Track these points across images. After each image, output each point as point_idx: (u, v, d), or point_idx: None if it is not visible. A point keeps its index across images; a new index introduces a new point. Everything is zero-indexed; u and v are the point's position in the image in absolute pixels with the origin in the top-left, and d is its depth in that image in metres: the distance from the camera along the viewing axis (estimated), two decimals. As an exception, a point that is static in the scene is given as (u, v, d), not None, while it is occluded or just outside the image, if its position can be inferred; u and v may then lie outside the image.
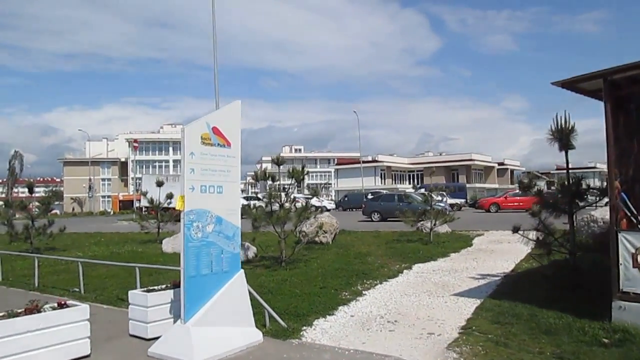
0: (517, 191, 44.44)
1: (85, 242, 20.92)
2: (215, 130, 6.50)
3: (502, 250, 14.62)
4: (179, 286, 6.64)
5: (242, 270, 6.87)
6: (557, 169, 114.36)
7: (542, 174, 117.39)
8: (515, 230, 9.60)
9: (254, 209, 12.55)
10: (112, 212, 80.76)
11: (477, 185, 78.96)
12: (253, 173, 12.53)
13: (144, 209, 30.97)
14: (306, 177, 13.90)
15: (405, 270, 11.69)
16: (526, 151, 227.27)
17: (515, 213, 36.58)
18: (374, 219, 30.05)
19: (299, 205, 13.27)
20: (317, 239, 14.59)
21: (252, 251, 13.98)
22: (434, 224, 16.32)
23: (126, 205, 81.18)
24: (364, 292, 9.41)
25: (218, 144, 6.53)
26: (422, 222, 17.68)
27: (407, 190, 51.25)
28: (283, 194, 12.28)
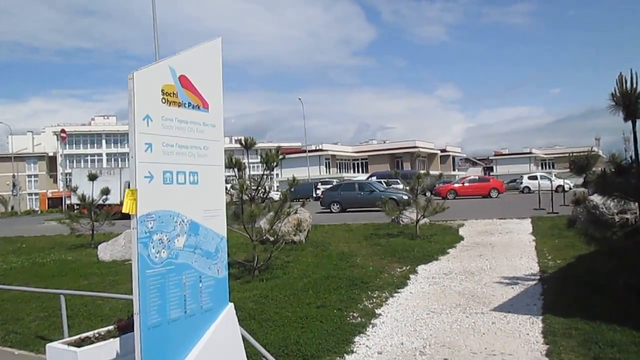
0: (473, 177, 43.67)
1: (1, 249, 17.46)
2: (185, 82, 3.98)
3: (503, 244, 12.75)
4: (127, 331, 4.14)
5: (230, 305, 4.43)
6: (495, 155, 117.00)
7: (479, 160, 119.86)
8: (571, 224, 7.58)
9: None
10: (39, 211, 74.69)
11: (422, 172, 78.74)
12: None
13: (75, 207, 27.34)
14: (252, 166, 11.28)
15: (411, 276, 9.49)
16: (459, 139, 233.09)
17: (474, 199, 35.57)
18: (333, 210, 27.87)
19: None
20: (294, 238, 12.17)
21: (213, 257, 11.39)
22: (422, 216, 14.23)
23: (55, 203, 75.26)
24: (377, 312, 7.13)
25: (189, 104, 4.02)
26: (403, 214, 15.61)
27: (354, 179, 49.45)
28: (253, 186, 9.79)
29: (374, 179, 40.44)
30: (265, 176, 9.66)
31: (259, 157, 10.47)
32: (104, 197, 15.75)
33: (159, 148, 3.75)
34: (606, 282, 7.36)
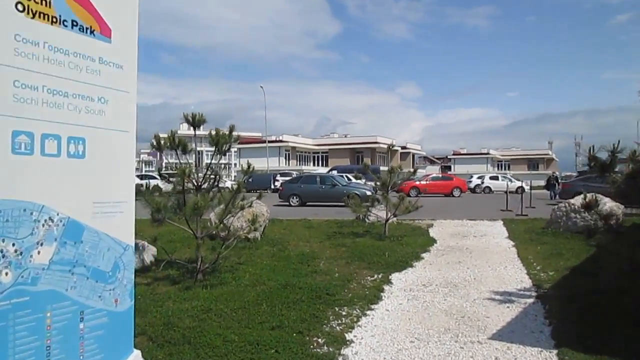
0: (436, 175, 42.96)
1: None
2: None
3: (480, 249, 11.48)
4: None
5: (136, 354, 2.83)
6: (454, 154, 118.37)
7: (437, 159, 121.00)
8: (589, 235, 6.26)
9: (153, 192, 8.16)
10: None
11: (383, 168, 78.33)
12: (153, 140, 7.31)
13: None
14: (206, 155, 9.50)
15: (385, 287, 8.04)
16: (418, 137, 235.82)
17: (437, 198, 34.79)
18: (292, 204, 26.31)
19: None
20: (248, 234, 10.53)
21: (150, 254, 9.57)
22: (393, 214, 12.84)
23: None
24: (347, 337, 5.62)
25: (74, 23, 2.40)
26: (370, 211, 14.20)
27: (314, 172, 48.18)
28: (198, 172, 8.11)
29: (335, 172, 39.09)
30: (215, 162, 7.99)
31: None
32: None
33: (6, 90, 2.12)
34: (621, 303, 6.13)
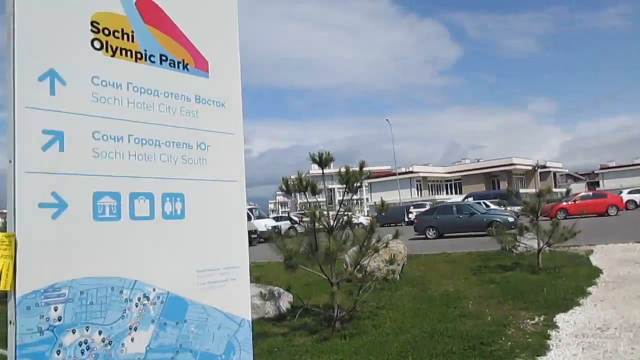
0: (586, 193, 39.06)
1: None
2: (151, 12, 1.98)
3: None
4: None
5: None
6: (601, 168, 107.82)
7: (581, 175, 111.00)
8: None
9: (286, 237, 7.85)
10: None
11: (522, 190, 73.65)
12: (281, 183, 6.89)
13: None
14: (338, 192, 8.94)
15: (551, 333, 6.85)
16: (556, 154, 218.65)
17: (590, 219, 31.25)
18: (429, 236, 25.10)
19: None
20: (386, 275, 9.87)
21: (286, 300, 9.27)
22: (546, 243, 11.40)
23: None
24: (515, 401, 4.67)
25: (164, 58, 2.01)
26: (519, 240, 12.81)
27: (448, 201, 46.27)
28: (330, 212, 7.65)
29: (471, 199, 37.12)
30: (345, 200, 7.53)
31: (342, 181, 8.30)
32: None
33: (84, 144, 1.75)
34: None
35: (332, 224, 7.52)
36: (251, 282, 9.25)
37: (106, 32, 1.84)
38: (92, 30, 1.81)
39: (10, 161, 1.58)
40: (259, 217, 30.98)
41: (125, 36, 1.89)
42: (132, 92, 1.89)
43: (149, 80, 1.95)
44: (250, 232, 21.23)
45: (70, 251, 1.67)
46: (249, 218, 24.79)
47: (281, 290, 9.11)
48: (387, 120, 64.05)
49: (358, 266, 7.80)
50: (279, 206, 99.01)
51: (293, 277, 9.61)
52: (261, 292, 8.18)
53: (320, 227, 7.42)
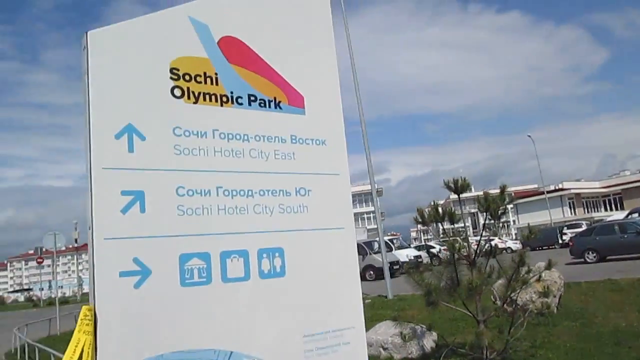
0: None
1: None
2: (237, 51, 1.80)
3: None
4: None
5: None
6: None
7: None
8: None
9: (425, 270, 7.34)
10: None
11: (700, 202, 64.10)
12: (416, 213, 6.48)
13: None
14: (481, 216, 8.24)
15: None
16: None
17: None
18: (588, 260, 22.58)
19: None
20: (541, 308, 8.87)
21: (430, 340, 8.69)
22: None
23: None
24: None
25: (252, 98, 1.82)
26: None
27: (608, 219, 41.63)
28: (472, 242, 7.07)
29: (636, 216, 33.01)
30: (489, 225, 6.88)
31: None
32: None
33: (166, 202, 1.59)
34: None
35: (475, 253, 6.90)
36: (390, 320, 8.80)
37: (187, 77, 1.69)
38: (171, 78, 1.66)
39: (89, 228, 1.46)
40: (400, 247, 30.43)
41: (208, 80, 1.73)
42: (219, 139, 1.71)
43: (237, 125, 1.76)
44: (391, 263, 20.82)
45: (156, 323, 1.50)
46: (390, 249, 24.39)
47: (424, 327, 8.56)
48: (529, 136, 60.00)
49: (507, 300, 7.04)
50: (421, 234, 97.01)
51: (436, 312, 9.02)
52: (401, 333, 7.73)
53: (462, 257, 6.84)
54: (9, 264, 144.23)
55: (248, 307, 1.67)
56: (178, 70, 1.68)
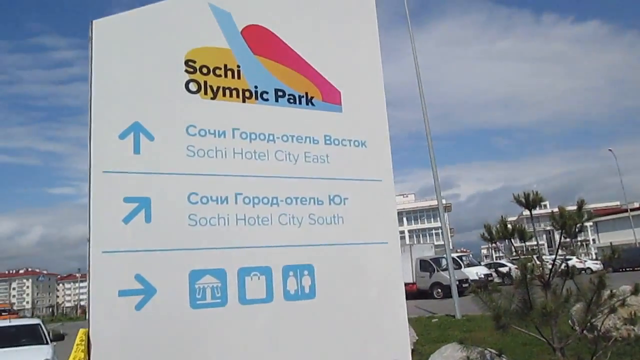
0: None
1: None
2: (261, 41, 1.60)
3: None
4: None
5: None
6: None
7: None
8: None
9: (493, 290, 6.81)
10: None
11: None
12: (484, 229, 5.79)
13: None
14: (557, 233, 7.54)
15: None
16: None
17: None
18: (680, 283, 20.81)
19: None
20: (626, 335, 8.08)
21: (501, 365, 8.11)
22: None
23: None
24: None
25: (282, 95, 1.60)
26: None
27: None
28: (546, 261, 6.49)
29: None
30: (564, 244, 6.31)
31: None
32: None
33: (177, 210, 1.38)
34: None
35: (549, 273, 6.34)
36: (456, 342, 8.24)
37: (204, 70, 1.50)
38: (186, 71, 1.48)
39: (88, 240, 1.28)
40: (470, 264, 29.27)
41: (229, 73, 1.53)
42: (240, 139, 1.50)
43: (262, 123, 1.54)
44: (460, 281, 19.96)
45: (161, 352, 1.29)
46: (459, 266, 23.47)
47: (493, 352, 7.99)
48: (610, 150, 56.56)
49: (588, 325, 6.40)
50: (492, 252, 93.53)
51: (508, 335, 8.42)
52: (468, 357, 7.20)
53: (535, 277, 6.30)
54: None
55: (270, 333, 1.43)
56: (194, 62, 1.49)
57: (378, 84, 1.78)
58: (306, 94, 1.63)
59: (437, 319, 13.66)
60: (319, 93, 1.65)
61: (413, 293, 20.23)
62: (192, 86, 1.48)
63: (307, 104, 1.63)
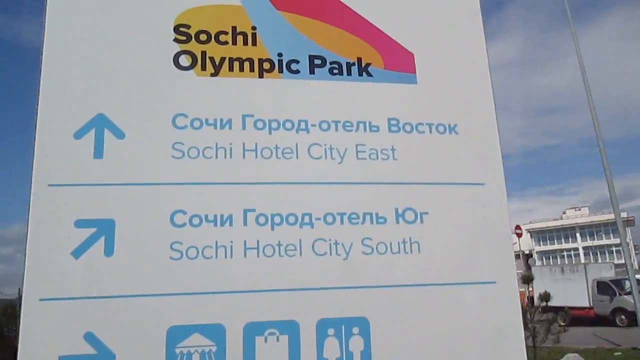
0: None
1: None
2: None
3: None
4: None
5: None
6: None
7: None
8: None
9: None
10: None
11: None
12: None
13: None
14: None
15: None
16: None
17: None
18: None
19: None
20: None
21: None
22: None
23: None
24: None
25: (322, 64, 1.09)
26: None
27: None
28: None
29: None
30: None
31: None
32: (543, 303, 12.41)
33: (153, 239, 0.94)
34: None
35: None
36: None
37: (202, 37, 1.05)
38: (176, 40, 1.04)
39: (21, 282, 0.89)
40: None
41: (238, 38, 1.06)
42: (254, 130, 1.02)
43: (288, 106, 1.05)
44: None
45: None
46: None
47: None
48: None
49: None
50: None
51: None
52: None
53: None
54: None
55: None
56: (188, 27, 1.05)
57: (476, 39, 1.19)
58: (359, 60, 1.10)
59: (620, 352, 11.76)
60: (379, 58, 1.11)
61: (590, 319, 17.93)
62: (184, 60, 1.04)
63: (360, 74, 1.10)
